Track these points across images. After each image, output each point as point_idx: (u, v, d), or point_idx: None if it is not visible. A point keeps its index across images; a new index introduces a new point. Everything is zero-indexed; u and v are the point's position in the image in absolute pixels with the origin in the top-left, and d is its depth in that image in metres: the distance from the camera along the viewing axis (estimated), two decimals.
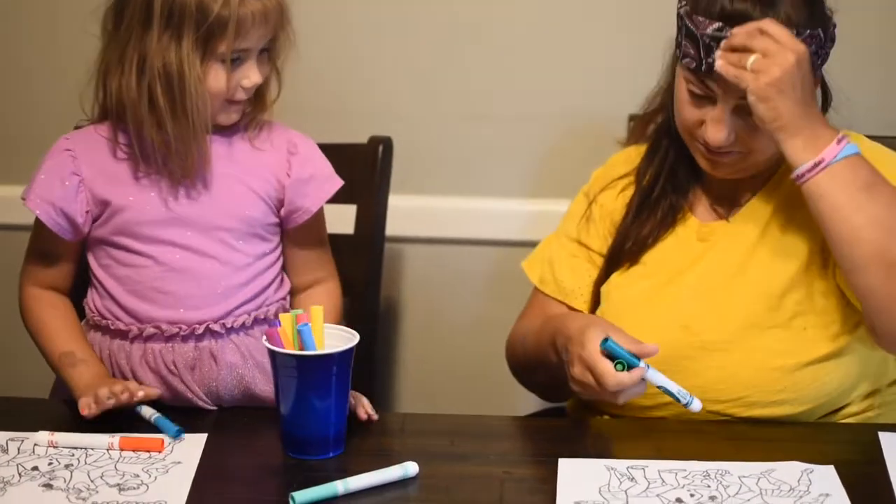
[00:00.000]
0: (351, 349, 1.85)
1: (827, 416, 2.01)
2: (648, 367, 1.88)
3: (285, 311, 2.11)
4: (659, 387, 1.89)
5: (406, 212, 2.61)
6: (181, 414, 1.96)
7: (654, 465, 1.82)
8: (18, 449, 1.88)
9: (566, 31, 2.58)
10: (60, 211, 2.02)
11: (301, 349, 1.85)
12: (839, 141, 1.87)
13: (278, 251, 2.12)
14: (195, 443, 1.90)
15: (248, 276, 2.06)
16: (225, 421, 2.00)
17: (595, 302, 2.14)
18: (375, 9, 2.61)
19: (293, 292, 2.15)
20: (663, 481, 1.79)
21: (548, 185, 2.63)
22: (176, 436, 1.89)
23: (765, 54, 1.84)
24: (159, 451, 1.86)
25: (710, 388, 1.97)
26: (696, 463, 1.83)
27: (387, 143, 2.47)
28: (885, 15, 2.51)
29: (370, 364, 2.48)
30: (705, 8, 1.92)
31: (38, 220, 2.05)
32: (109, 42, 2.02)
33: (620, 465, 1.83)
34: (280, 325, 1.86)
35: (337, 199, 2.42)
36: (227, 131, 2.07)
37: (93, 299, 2.09)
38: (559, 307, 2.17)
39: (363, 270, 2.47)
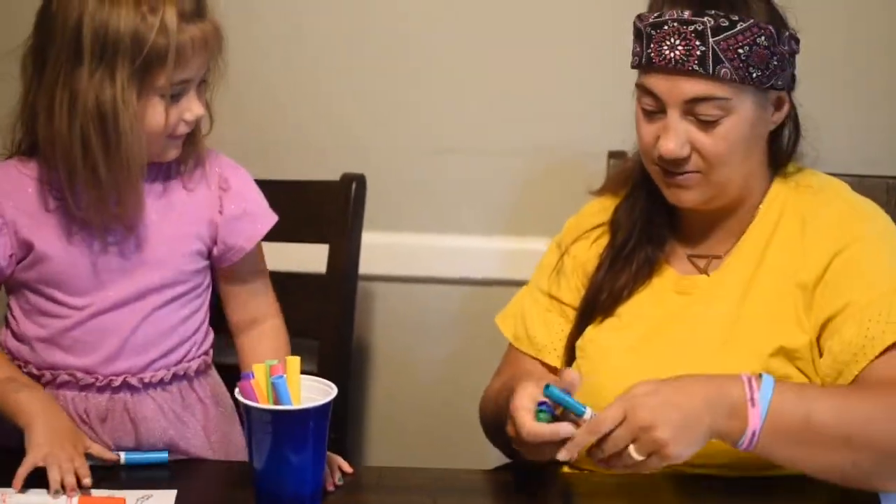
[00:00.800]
0: (329, 403, 1.75)
1: None
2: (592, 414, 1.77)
3: (207, 366, 2.04)
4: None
5: (377, 250, 2.54)
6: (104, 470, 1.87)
7: None
8: None
9: (542, 64, 2.52)
10: None
11: (276, 403, 1.75)
12: (752, 403, 1.76)
13: (203, 301, 2.02)
14: (164, 500, 1.80)
15: (167, 328, 1.96)
16: (188, 474, 1.91)
17: (570, 357, 2.06)
18: (345, 43, 2.54)
19: (233, 332, 2.06)
20: None
21: (524, 223, 2.57)
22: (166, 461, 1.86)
23: (633, 438, 1.73)
24: None
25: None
26: None
27: (360, 180, 2.40)
28: (856, 49, 2.47)
29: (343, 407, 2.39)
30: (650, 4, 1.93)
31: None
32: (33, 84, 1.89)
33: None
34: (253, 376, 1.77)
35: (308, 238, 2.39)
36: (157, 171, 1.96)
37: (5, 339, 1.99)
38: (533, 363, 2.10)
39: (336, 311, 2.39)
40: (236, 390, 1.77)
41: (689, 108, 1.88)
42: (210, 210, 1.98)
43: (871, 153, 2.47)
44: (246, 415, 1.75)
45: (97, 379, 1.93)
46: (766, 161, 2.00)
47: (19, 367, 1.96)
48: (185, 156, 1.96)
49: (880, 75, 2.48)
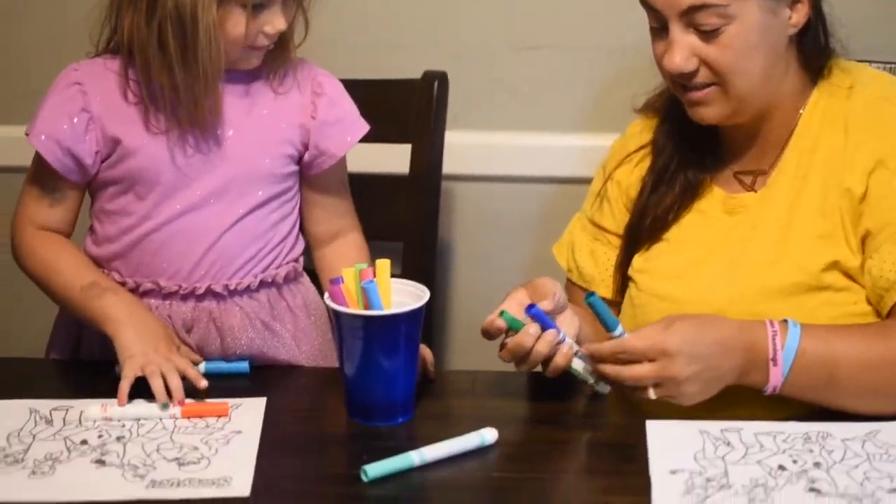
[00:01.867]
0: (421, 307, 1.72)
1: None
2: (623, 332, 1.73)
3: (298, 274, 2.00)
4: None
5: (459, 149, 2.48)
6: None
7: (749, 428, 1.70)
8: (64, 420, 1.74)
9: None
10: (67, 150, 1.87)
11: (366, 308, 1.71)
12: (775, 362, 1.72)
13: (294, 206, 1.99)
14: (254, 408, 1.77)
15: (257, 233, 1.93)
16: (279, 381, 1.88)
17: (620, 286, 2.02)
18: None
19: (313, 245, 2.03)
20: (762, 446, 1.66)
21: (606, 119, 2.49)
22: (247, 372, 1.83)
23: (655, 382, 1.69)
24: (224, 416, 1.74)
25: None
26: (795, 424, 1.71)
27: (442, 77, 2.34)
28: None
29: (428, 314, 2.35)
30: None
31: (39, 158, 1.90)
32: None
33: (713, 427, 1.70)
34: (342, 281, 1.72)
35: (390, 138, 2.32)
36: (246, 75, 1.93)
37: (89, 247, 1.96)
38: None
39: (420, 212, 2.34)
40: (325, 296, 1.74)
41: (689, 19, 1.80)
42: (302, 115, 1.94)
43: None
44: (336, 321, 1.72)
45: (181, 287, 1.90)
46: (801, 66, 1.90)
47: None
48: (275, 63, 1.93)
49: None
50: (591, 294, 1.73)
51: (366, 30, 2.50)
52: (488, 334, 1.77)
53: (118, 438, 1.69)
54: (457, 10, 2.50)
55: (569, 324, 1.80)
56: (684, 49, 1.82)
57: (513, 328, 1.74)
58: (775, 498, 1.55)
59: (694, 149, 1.97)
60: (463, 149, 2.50)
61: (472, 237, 2.62)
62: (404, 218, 2.33)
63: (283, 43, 1.92)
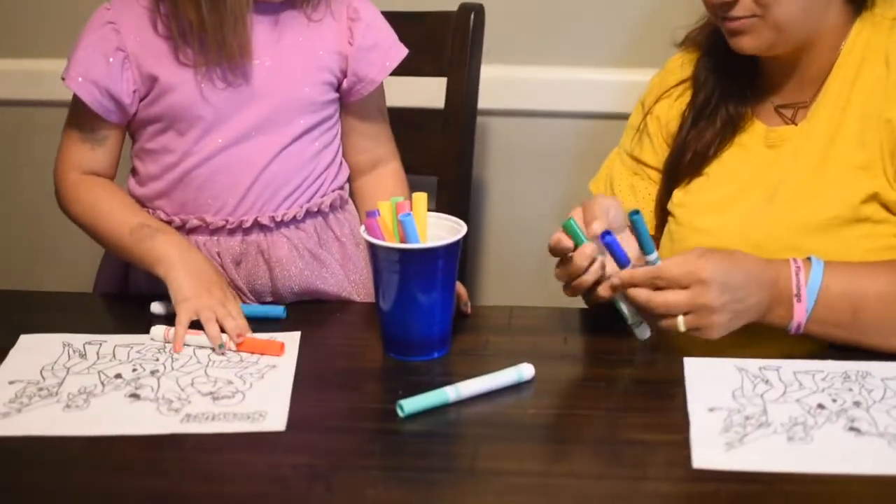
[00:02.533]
0: (458, 241, 1.70)
1: None
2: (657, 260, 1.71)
3: (344, 202, 1.99)
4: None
5: (494, 83, 2.45)
6: None
7: (788, 366, 1.69)
8: (98, 353, 1.74)
9: None
10: (105, 91, 1.86)
11: (403, 241, 1.70)
12: (798, 298, 1.70)
13: (336, 134, 1.97)
14: (289, 342, 1.76)
15: (300, 162, 1.92)
16: (313, 317, 1.86)
17: (660, 221, 2.01)
18: None
19: (353, 174, 2.02)
20: (801, 384, 1.65)
21: (643, 54, 2.48)
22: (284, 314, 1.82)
23: (687, 310, 1.67)
24: (278, 356, 1.73)
25: None
26: (833, 363, 1.69)
27: (478, 9, 2.31)
28: None
29: (463, 250, 2.34)
30: None
31: (77, 101, 1.88)
32: None
33: (751, 365, 1.69)
34: (379, 214, 1.71)
35: (425, 71, 2.30)
36: (280, 5, 1.90)
37: (133, 187, 1.94)
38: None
39: (455, 148, 2.31)
40: (361, 228, 1.72)
41: None
42: (339, 41, 1.92)
43: None
44: (372, 254, 1.70)
45: (227, 221, 1.89)
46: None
47: (147, 213, 1.92)
48: None
49: None
50: (636, 212, 1.70)
51: None
52: (554, 251, 1.73)
53: (152, 372, 1.69)
54: None
55: (627, 245, 1.76)
56: None
57: (575, 241, 1.71)
58: (814, 436, 1.53)
59: (735, 83, 1.94)
60: (498, 83, 2.47)
61: (506, 173, 2.60)
62: (439, 152, 2.31)
63: None
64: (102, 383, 1.66)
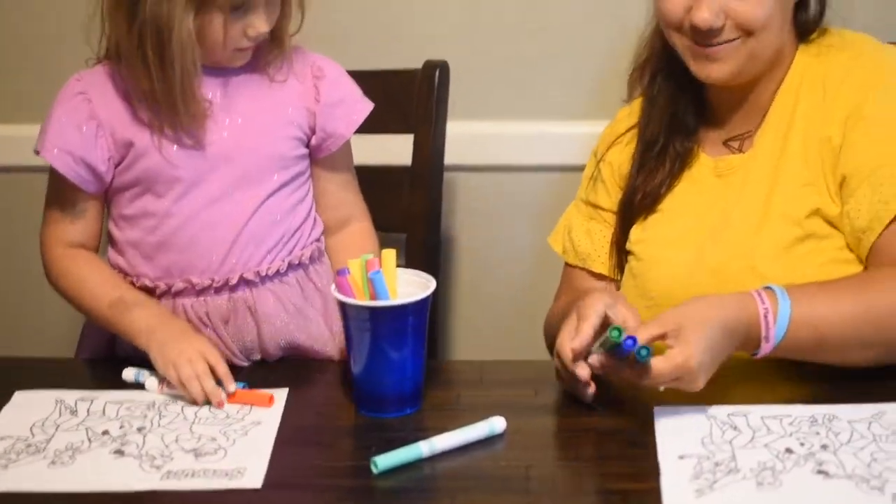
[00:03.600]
0: (428, 297, 1.72)
1: None
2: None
3: (321, 253, 2.02)
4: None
5: (461, 139, 2.49)
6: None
7: (756, 411, 1.71)
8: (88, 410, 1.78)
9: None
10: (81, 160, 1.88)
11: (373, 298, 1.72)
12: (766, 339, 1.74)
13: (308, 188, 2.01)
14: (278, 397, 1.80)
15: (279, 216, 1.94)
16: (290, 374, 1.89)
17: (618, 263, 2.06)
18: None
19: (325, 232, 2.04)
20: (769, 429, 1.67)
21: (606, 107, 2.49)
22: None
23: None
24: (268, 407, 1.77)
25: None
26: (801, 407, 1.72)
27: (443, 67, 2.35)
28: None
29: (433, 305, 2.36)
30: None
31: (55, 173, 1.91)
32: None
33: (720, 412, 1.72)
34: (349, 272, 1.73)
35: (392, 129, 2.34)
36: (244, 68, 1.94)
37: (113, 258, 1.97)
38: (583, 276, 2.10)
39: (423, 204, 2.35)
40: (332, 287, 1.74)
41: None
42: (306, 99, 1.96)
43: None
44: (343, 313, 1.73)
45: (213, 280, 1.92)
46: (794, 34, 1.95)
47: (132, 283, 1.94)
48: (271, 56, 1.95)
49: None
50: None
51: (366, 20, 2.51)
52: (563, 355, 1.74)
53: (139, 429, 1.72)
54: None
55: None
56: (714, 4, 1.85)
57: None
58: (783, 480, 1.55)
59: (681, 121, 2.00)
60: (464, 138, 2.50)
61: (475, 227, 2.63)
62: (408, 209, 2.34)
63: (278, 38, 1.93)
64: (90, 439, 1.69)
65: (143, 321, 1.86)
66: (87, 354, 2.03)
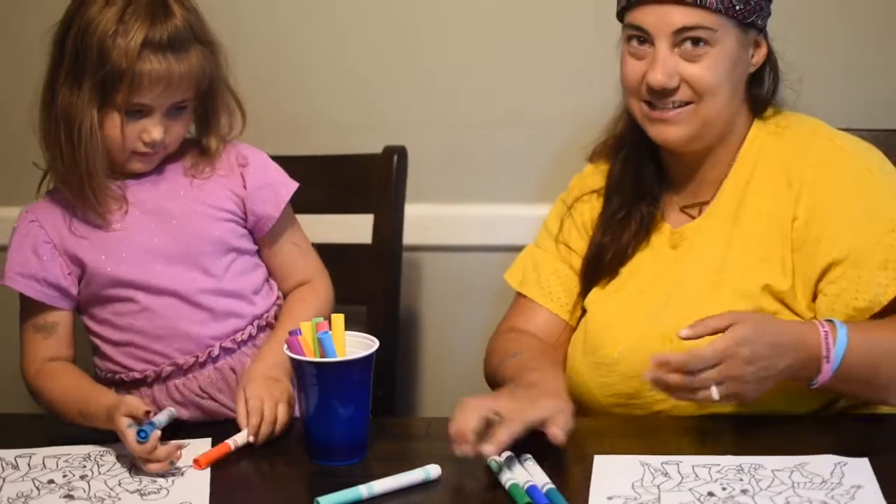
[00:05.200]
0: (370, 355, 1.83)
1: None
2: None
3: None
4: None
5: (421, 220, 2.58)
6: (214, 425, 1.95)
7: (688, 461, 1.80)
8: (29, 464, 1.87)
9: (576, 34, 2.55)
10: (44, 280, 2.00)
11: (322, 356, 1.83)
12: (827, 359, 1.85)
13: (257, 261, 2.11)
14: (202, 446, 1.90)
15: (236, 290, 2.04)
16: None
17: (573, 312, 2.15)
18: (381, 18, 2.60)
19: (284, 298, 2.14)
20: (696, 476, 1.76)
21: (562, 189, 2.55)
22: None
23: (719, 380, 1.79)
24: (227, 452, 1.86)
25: None
26: (731, 458, 1.81)
27: (401, 152, 2.45)
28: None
29: (392, 371, 2.47)
30: None
31: (24, 298, 2.02)
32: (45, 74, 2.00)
33: (655, 460, 1.81)
34: (301, 333, 1.84)
35: (353, 208, 2.43)
36: (170, 164, 2.05)
37: (100, 364, 2.07)
38: (538, 311, 2.17)
39: (382, 280, 2.44)
40: (284, 346, 1.85)
41: (677, 38, 1.95)
42: (234, 186, 2.06)
43: (857, 104, 2.47)
44: (295, 369, 1.83)
45: (197, 357, 2.01)
46: (748, 107, 2.05)
47: (121, 379, 2.03)
48: (198, 162, 2.06)
49: (864, 25, 2.49)
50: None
51: (327, 109, 2.61)
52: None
53: (82, 477, 1.81)
54: (416, 88, 2.61)
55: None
56: (669, 66, 1.97)
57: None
58: None
59: (645, 186, 2.10)
60: (424, 220, 2.59)
61: (435, 304, 2.71)
62: (368, 285, 2.43)
63: (205, 151, 2.06)
64: (37, 488, 1.79)
65: (104, 400, 1.91)
66: None
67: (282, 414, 1.90)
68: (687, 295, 2.00)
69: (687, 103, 1.98)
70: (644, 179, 2.11)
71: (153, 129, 1.96)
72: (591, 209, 2.16)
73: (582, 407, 2.05)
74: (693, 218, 2.07)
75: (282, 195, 2.09)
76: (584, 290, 2.13)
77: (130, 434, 1.80)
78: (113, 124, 1.95)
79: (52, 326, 2.02)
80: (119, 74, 1.90)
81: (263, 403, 1.89)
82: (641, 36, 1.99)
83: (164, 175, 2.05)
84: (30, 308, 2.02)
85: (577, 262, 2.15)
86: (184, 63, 1.94)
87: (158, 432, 1.81)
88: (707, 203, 2.06)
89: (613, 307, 2.07)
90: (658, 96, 1.99)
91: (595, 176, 2.18)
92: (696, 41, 1.96)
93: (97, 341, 2.05)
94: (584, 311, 2.13)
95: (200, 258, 2.02)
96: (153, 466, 1.80)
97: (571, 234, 2.17)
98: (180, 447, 1.83)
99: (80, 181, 1.96)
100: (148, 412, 1.84)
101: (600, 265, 2.11)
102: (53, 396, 1.99)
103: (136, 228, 2.00)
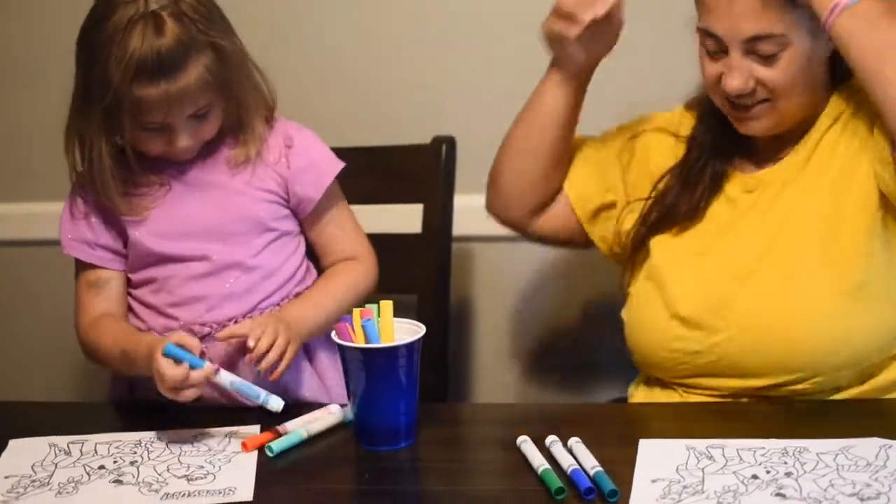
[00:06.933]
0: (415, 341, 1.85)
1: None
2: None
3: None
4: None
5: (472, 211, 2.53)
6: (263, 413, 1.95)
7: (733, 444, 1.80)
8: (81, 451, 1.91)
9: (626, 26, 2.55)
10: (94, 244, 2.07)
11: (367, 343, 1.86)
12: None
13: (299, 244, 2.14)
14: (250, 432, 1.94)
15: (268, 271, 2.08)
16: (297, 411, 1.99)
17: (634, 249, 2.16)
18: (432, 9, 2.62)
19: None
20: (741, 459, 1.77)
21: None
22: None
23: None
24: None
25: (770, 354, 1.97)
26: (776, 441, 1.81)
27: (450, 142, 2.47)
28: None
29: (444, 363, 2.49)
30: None
31: (78, 260, 2.09)
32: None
33: (700, 444, 1.81)
34: (350, 320, 1.87)
35: (403, 198, 2.46)
36: (217, 147, 2.09)
37: (132, 321, 2.11)
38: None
39: (432, 269, 2.46)
40: (332, 333, 1.88)
41: (750, 46, 1.96)
42: (279, 167, 2.10)
43: None
44: (341, 355, 1.86)
45: (212, 328, 2.05)
46: (829, 83, 2.05)
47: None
48: (241, 149, 2.09)
49: None
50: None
51: (378, 98, 2.63)
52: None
53: (132, 463, 1.86)
54: (466, 78, 2.63)
55: None
56: (744, 72, 1.98)
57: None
58: (742, 501, 1.65)
59: (723, 146, 2.11)
60: (476, 210, 2.53)
61: (487, 293, 2.73)
62: (419, 274, 2.46)
63: (242, 141, 2.09)
64: (88, 473, 1.83)
65: (147, 341, 1.97)
66: (114, 396, 2.17)
67: (290, 351, 1.94)
68: (760, 239, 2.02)
69: (766, 99, 2.00)
70: (723, 140, 2.11)
71: (178, 140, 2.01)
72: (661, 147, 2.18)
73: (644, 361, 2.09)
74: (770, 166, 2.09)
75: (325, 177, 2.12)
76: (651, 231, 2.14)
77: (164, 362, 1.85)
78: (139, 140, 2.01)
79: (103, 283, 2.09)
80: (119, 103, 1.95)
81: (272, 329, 1.93)
82: (715, 42, 2.00)
83: (210, 152, 2.09)
84: (83, 267, 2.09)
85: (620, 189, 2.19)
86: (181, 80, 1.95)
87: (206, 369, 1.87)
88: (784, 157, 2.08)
89: (683, 250, 2.09)
90: (737, 99, 2.01)
91: (679, 124, 2.19)
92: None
93: (133, 303, 2.11)
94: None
95: (237, 236, 2.06)
96: (187, 393, 1.86)
97: (632, 166, 2.20)
98: (217, 369, 1.88)
99: (96, 192, 2.05)
100: (203, 353, 1.90)
101: (676, 216, 2.11)
102: (100, 346, 2.04)
103: (175, 203, 2.06)
